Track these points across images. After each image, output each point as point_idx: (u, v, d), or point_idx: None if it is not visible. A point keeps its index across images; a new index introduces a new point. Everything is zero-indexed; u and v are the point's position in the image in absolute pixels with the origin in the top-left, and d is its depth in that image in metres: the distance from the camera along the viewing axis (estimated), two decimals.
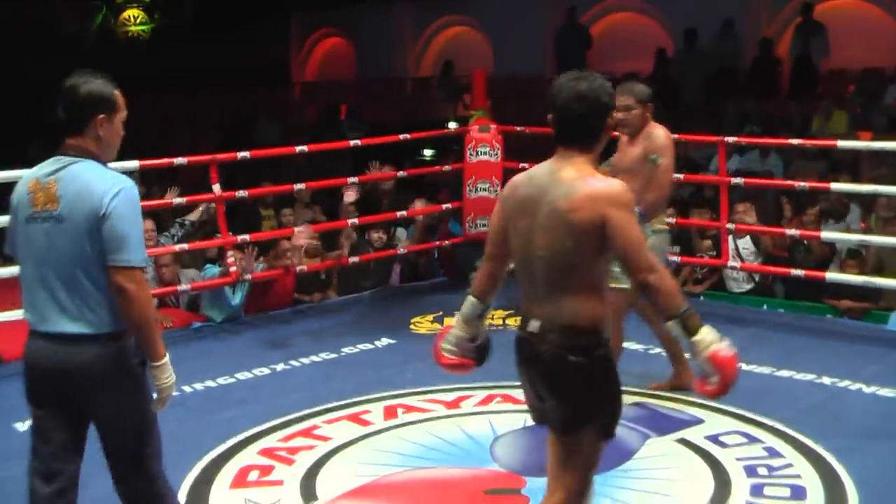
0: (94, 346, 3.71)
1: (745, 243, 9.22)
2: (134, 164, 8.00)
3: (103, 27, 24.79)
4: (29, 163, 4.12)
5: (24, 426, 6.08)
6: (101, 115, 3.72)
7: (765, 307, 8.98)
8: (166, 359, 3.79)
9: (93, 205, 3.62)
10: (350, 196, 9.61)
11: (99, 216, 3.61)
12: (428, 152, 15.31)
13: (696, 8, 16.37)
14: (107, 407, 3.78)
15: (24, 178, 3.81)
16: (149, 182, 13.06)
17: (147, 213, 9.10)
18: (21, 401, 3.88)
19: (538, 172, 3.66)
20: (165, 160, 8.26)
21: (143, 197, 10.11)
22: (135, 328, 3.71)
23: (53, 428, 3.81)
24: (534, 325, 3.60)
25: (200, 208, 9.41)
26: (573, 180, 3.53)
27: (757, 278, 9.25)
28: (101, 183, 3.65)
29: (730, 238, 8.89)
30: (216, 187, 8.12)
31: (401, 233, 10.15)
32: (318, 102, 21.14)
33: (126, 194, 3.66)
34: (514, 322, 8.07)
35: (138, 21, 24.78)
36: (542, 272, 3.59)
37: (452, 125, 14.07)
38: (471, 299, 3.89)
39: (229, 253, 8.12)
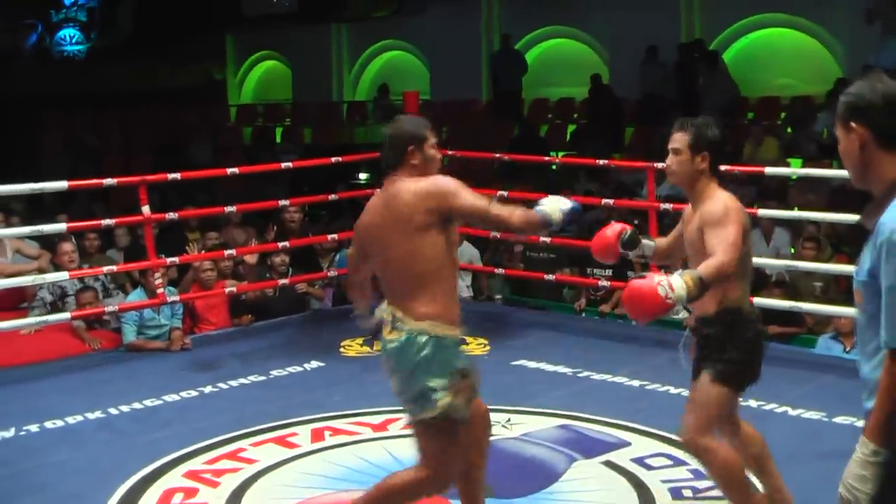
0: None
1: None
2: (63, 184, 7.93)
3: (38, 46, 24.57)
4: None
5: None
6: None
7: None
8: None
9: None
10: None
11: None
12: (363, 175, 15.31)
13: (627, 34, 16.55)
14: None
15: None
16: (81, 202, 13.00)
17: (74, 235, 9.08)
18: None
19: None
20: (94, 181, 8.18)
21: (78, 217, 10.21)
22: None
23: None
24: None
25: None
26: None
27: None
28: None
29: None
30: (145, 209, 8.04)
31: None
32: (254, 125, 21.12)
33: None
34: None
35: (73, 41, 24.57)
36: None
37: None
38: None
39: (156, 275, 8.04)
